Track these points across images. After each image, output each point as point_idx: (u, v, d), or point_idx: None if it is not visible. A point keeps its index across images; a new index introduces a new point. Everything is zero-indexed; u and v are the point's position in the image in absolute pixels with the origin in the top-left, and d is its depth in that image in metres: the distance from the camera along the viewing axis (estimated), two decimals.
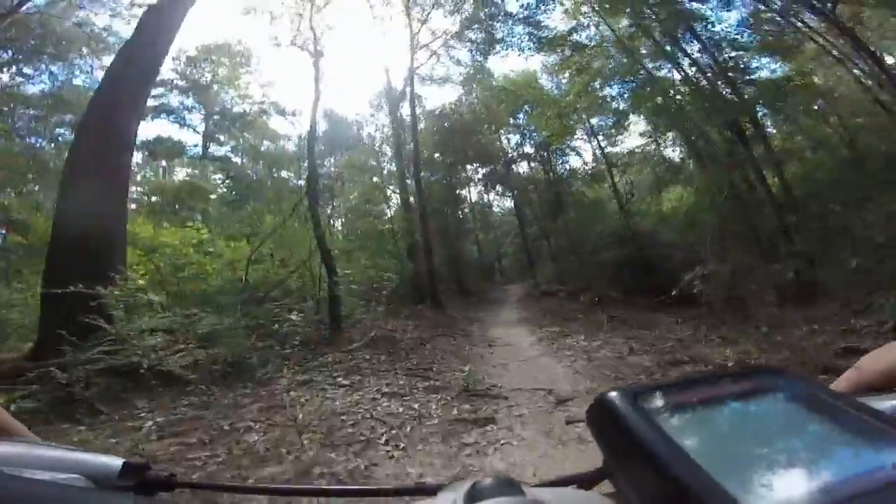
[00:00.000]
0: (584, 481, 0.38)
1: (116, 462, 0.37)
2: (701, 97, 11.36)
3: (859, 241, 7.58)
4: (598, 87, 14.55)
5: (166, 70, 20.64)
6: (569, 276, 15.40)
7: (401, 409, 4.17)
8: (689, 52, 11.80)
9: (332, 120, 22.80)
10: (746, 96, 10.53)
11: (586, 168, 21.13)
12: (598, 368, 5.53)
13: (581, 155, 21.15)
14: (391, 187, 18.12)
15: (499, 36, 14.98)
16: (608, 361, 5.85)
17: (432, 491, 0.35)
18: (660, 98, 12.28)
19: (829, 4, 9.05)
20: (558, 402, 4.22)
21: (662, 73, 12.96)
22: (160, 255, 8.37)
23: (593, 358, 6.10)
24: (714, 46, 11.24)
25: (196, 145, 22.29)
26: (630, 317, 9.09)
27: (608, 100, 15.14)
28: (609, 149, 18.78)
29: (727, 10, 11.37)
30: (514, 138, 21.31)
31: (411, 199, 14.97)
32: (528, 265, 21.59)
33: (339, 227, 19.63)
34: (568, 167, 20.97)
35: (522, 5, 13.97)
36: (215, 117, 22.54)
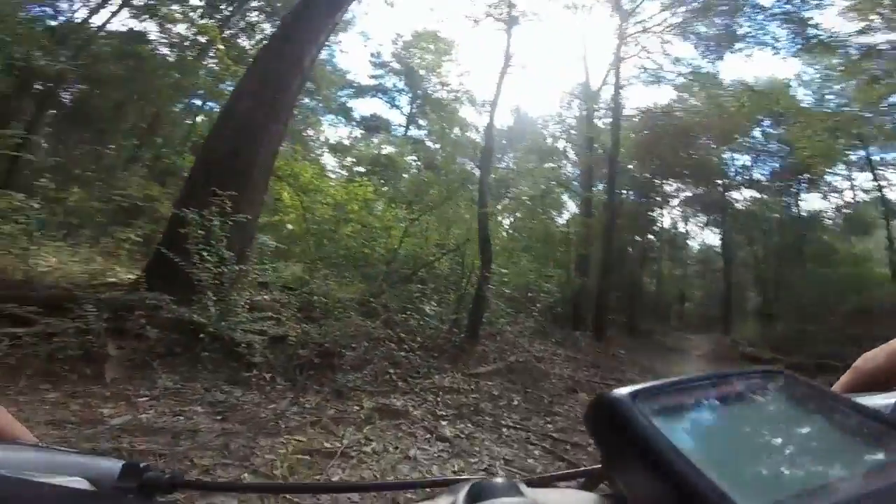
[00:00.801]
0: (584, 481, 0.38)
1: (116, 464, 0.37)
2: None
3: None
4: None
5: (386, 53, 22.48)
6: (790, 344, 11.36)
7: None
8: None
9: (519, 116, 21.71)
10: None
11: (846, 211, 15.54)
12: None
13: (838, 193, 15.65)
14: (567, 193, 15.97)
15: (741, 31, 11.49)
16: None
17: (434, 485, 0.36)
18: None
19: None
20: None
21: None
22: (314, 200, 8.03)
23: None
24: None
25: (401, 125, 24.08)
26: None
27: None
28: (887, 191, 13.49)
29: None
30: (742, 158, 16.73)
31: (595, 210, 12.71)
32: (720, 316, 17.08)
33: (507, 225, 18.55)
34: (815, 206, 15.73)
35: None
36: (418, 101, 23.86)
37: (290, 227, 8.24)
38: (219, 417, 3.00)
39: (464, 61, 25.79)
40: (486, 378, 5.01)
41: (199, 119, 13.17)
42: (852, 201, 15.51)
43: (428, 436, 3.23)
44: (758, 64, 25.64)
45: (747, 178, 16.84)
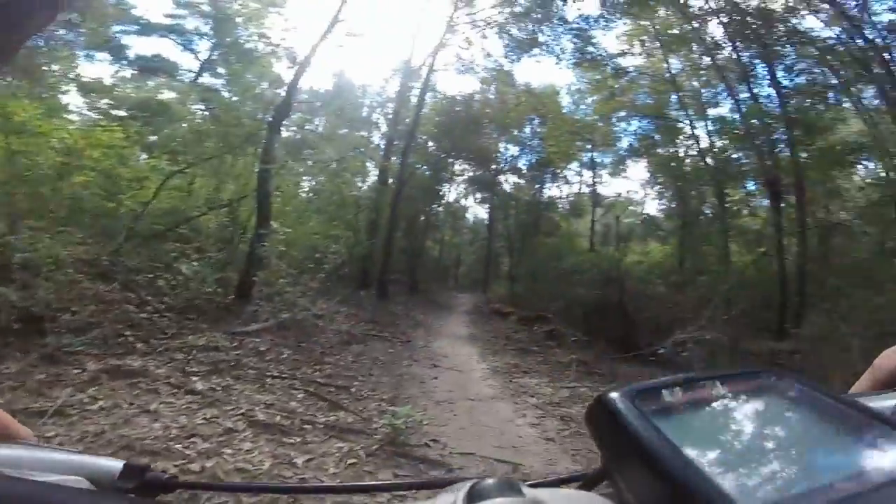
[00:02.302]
0: (584, 481, 0.37)
1: (117, 464, 0.37)
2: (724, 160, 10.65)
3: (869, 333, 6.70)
4: (620, 118, 13.81)
5: None
6: (524, 301, 14.36)
7: (267, 464, 2.36)
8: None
9: (340, 81, 20.53)
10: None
11: (571, 199, 20.44)
12: (576, 437, 3.99)
13: (570, 185, 20.45)
14: (372, 162, 16.21)
15: (541, 39, 13.52)
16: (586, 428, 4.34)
17: (432, 485, 0.35)
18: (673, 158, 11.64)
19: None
20: None
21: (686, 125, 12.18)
22: (34, 144, 6.05)
23: (567, 418, 4.57)
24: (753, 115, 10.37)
25: (191, 71, 19.53)
26: (598, 365, 7.75)
27: (620, 135, 14.50)
28: (599, 187, 18.36)
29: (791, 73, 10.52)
30: (513, 149, 20.09)
31: (391, 179, 13.24)
32: (483, 278, 20.47)
33: (307, 186, 17.62)
34: (552, 193, 20.14)
35: (582, 16, 12.72)
36: (224, 49, 19.74)
37: None
38: None
39: (294, 17, 22.46)
40: (253, 336, 4.81)
41: None
42: (577, 191, 20.53)
43: (174, 391, 2.96)
44: (545, 69, 29.96)
45: (514, 165, 20.35)
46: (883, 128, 9.41)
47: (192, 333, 4.17)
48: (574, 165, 19.20)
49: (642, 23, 12.10)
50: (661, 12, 11.44)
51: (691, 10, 10.81)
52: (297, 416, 3.06)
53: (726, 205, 11.16)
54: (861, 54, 9.25)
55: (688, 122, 12.39)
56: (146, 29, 17.86)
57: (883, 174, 9.82)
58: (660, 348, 7.25)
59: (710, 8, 10.70)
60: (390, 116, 14.91)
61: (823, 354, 6.47)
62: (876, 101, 9.70)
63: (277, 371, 3.97)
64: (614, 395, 0.32)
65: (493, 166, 19.51)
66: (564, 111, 16.71)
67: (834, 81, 10.01)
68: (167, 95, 15.85)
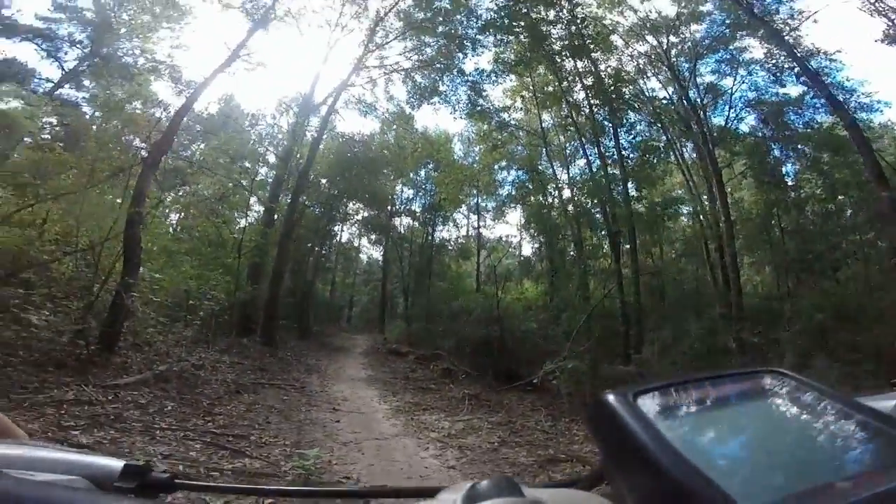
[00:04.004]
0: (583, 482, 0.37)
1: (118, 464, 0.37)
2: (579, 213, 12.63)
3: (686, 355, 8.44)
4: (501, 168, 15.45)
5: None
6: (420, 341, 14.68)
7: None
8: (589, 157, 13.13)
9: (228, 107, 19.13)
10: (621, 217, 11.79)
11: (460, 241, 21.80)
12: (473, 463, 4.38)
13: (458, 228, 21.91)
14: (255, 197, 15.30)
15: (441, 88, 14.62)
16: (481, 454, 4.77)
17: (431, 493, 0.35)
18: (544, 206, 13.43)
19: (710, 147, 11.00)
20: None
21: (553, 176, 14.13)
22: None
23: (464, 447, 4.94)
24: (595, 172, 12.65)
25: (50, 80, 16.35)
26: (487, 397, 8.34)
27: (501, 184, 16.21)
28: (483, 231, 19.97)
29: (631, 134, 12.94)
30: (408, 192, 20.99)
31: (277, 216, 12.74)
32: (379, 319, 20.36)
33: (173, 221, 15.61)
34: (443, 236, 21.35)
35: (477, 69, 14.17)
36: (96, 59, 16.85)
37: None
38: None
39: (190, 35, 20.42)
40: (130, 389, 4.33)
41: None
42: (465, 234, 22.00)
43: (57, 445, 2.59)
44: (441, 117, 31.35)
45: (408, 208, 21.11)
46: (696, 179, 12.25)
47: (57, 387, 3.62)
48: (463, 209, 20.70)
49: (525, 80, 13.97)
50: (541, 70, 13.38)
51: (562, 71, 12.84)
52: (200, 465, 2.90)
53: (584, 248, 13.19)
54: (685, 114, 12.04)
55: (554, 173, 14.53)
56: (8, 30, 15.09)
57: (698, 218, 12.67)
58: (534, 379, 8.09)
59: (576, 69, 12.89)
60: (282, 151, 14.54)
61: (659, 373, 7.98)
62: (693, 156, 12.61)
63: (165, 423, 3.64)
64: (614, 395, 0.31)
65: (389, 208, 20.07)
66: (455, 158, 18.13)
67: (664, 138, 12.69)
68: (12, 104, 13.38)
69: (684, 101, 12.23)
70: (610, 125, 12.64)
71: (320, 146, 14.25)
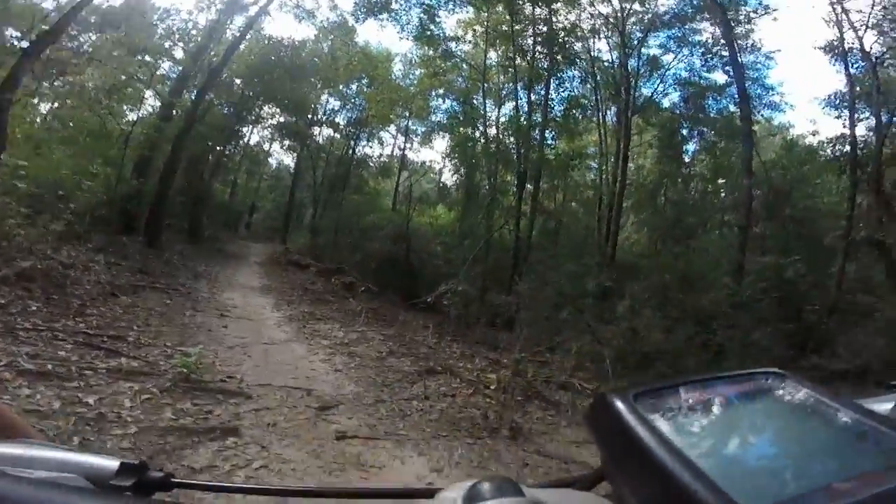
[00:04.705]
0: (583, 482, 0.37)
1: (114, 462, 0.37)
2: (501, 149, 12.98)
3: (554, 293, 9.74)
4: (438, 95, 15.28)
5: None
6: (325, 254, 14.77)
7: (57, 405, 2.38)
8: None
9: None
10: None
11: (383, 160, 21.40)
12: (360, 368, 4.89)
13: (382, 146, 21.45)
14: (152, 91, 13.08)
15: (395, 6, 13.25)
16: (369, 361, 5.30)
17: (431, 493, 0.35)
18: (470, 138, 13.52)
19: (630, 114, 11.70)
20: (321, 409, 3.33)
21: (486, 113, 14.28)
22: None
23: (353, 354, 5.44)
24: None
25: None
26: (385, 313, 8.95)
27: (435, 111, 16.17)
28: (409, 153, 19.82)
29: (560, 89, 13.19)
30: (334, 104, 19.68)
31: (177, 111, 11.31)
32: (282, 228, 19.72)
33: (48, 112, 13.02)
34: (366, 152, 20.82)
35: None
36: None
37: None
38: None
39: None
40: None
41: None
42: (389, 154, 21.53)
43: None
44: (386, 34, 29.03)
45: (332, 119, 19.90)
46: (609, 140, 13.21)
47: None
48: (392, 129, 20.15)
49: (482, 14, 13.45)
50: (499, 8, 12.89)
51: (520, 14, 12.53)
52: (71, 364, 2.91)
53: (496, 183, 13.86)
54: (619, 80, 12.58)
55: (485, 110, 14.70)
56: None
57: (601, 176, 13.89)
58: (428, 298, 8.80)
59: (534, 15, 12.63)
60: (193, 47, 12.59)
61: (530, 304, 9.18)
62: (613, 119, 13.45)
63: (30, 324, 3.48)
64: (614, 395, 0.32)
65: (310, 116, 18.81)
66: (392, 78, 17.24)
67: (594, 98, 13.30)
68: None
69: (624, 69, 12.73)
70: (547, 74, 12.83)
71: (241, 46, 12.71)
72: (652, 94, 13.34)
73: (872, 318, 7.86)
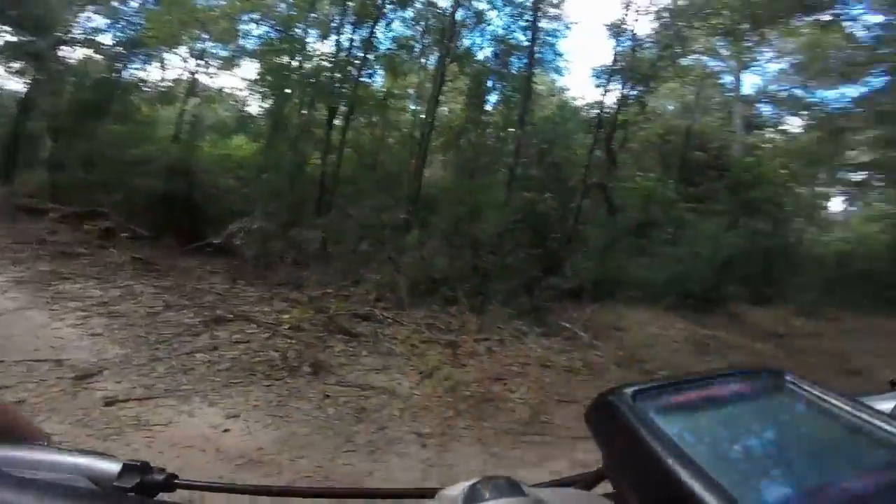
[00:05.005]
0: (584, 481, 0.37)
1: (116, 464, 0.37)
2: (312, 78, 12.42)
3: (360, 229, 10.20)
4: (253, 20, 13.38)
5: None
6: (71, 195, 11.79)
7: None
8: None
9: None
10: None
11: (166, 84, 17.41)
12: (126, 328, 4.41)
13: (164, 69, 17.41)
14: None
15: None
16: (138, 318, 4.79)
17: (431, 493, 0.35)
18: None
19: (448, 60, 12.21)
20: (80, 378, 3.04)
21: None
22: None
23: (115, 313, 4.82)
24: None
25: None
26: (160, 261, 7.88)
27: (245, 35, 14.03)
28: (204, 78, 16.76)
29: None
30: (99, 21, 14.72)
31: None
32: (6, 164, 14.66)
33: None
34: (140, 76, 16.63)
35: None
36: None
37: None
38: None
39: None
40: None
41: None
42: (176, 78, 17.42)
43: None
44: None
45: (91, 39, 14.77)
46: (427, 84, 13.60)
47: None
48: (181, 51, 16.43)
49: None
50: None
51: None
52: None
53: (310, 116, 13.09)
54: (448, 28, 12.70)
55: (311, 42, 13.39)
56: None
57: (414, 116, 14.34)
58: (215, 239, 8.06)
59: None
60: None
61: (335, 237, 9.47)
62: (433, 64, 13.73)
63: None
64: (615, 394, 0.32)
65: (56, 35, 13.76)
66: None
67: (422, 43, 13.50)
68: None
69: (452, 18, 12.94)
70: (377, 12, 12.42)
71: None
72: (471, 45, 14.31)
73: (589, 245, 10.77)
